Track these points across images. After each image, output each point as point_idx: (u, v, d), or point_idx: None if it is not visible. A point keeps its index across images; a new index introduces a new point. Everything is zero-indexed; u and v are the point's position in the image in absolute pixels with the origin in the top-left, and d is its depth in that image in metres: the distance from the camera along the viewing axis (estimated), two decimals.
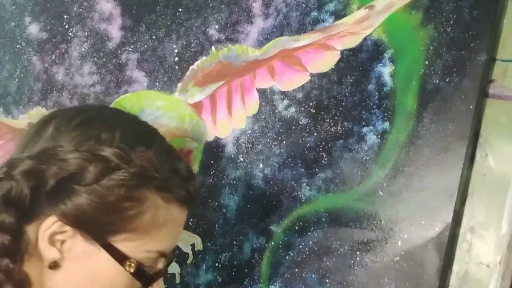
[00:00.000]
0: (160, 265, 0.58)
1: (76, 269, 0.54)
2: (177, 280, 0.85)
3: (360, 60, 0.73)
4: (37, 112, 0.96)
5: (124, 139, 0.54)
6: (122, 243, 0.53)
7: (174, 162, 0.57)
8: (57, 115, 0.57)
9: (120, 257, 0.53)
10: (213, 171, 0.82)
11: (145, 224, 0.54)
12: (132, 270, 0.54)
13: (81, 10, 0.92)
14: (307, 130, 0.76)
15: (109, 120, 0.58)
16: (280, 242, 0.77)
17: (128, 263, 0.53)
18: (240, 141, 0.81)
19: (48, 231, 0.52)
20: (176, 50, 0.85)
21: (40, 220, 0.52)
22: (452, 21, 0.67)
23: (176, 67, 0.85)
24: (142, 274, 0.55)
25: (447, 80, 0.67)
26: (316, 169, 0.75)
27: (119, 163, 0.52)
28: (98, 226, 0.53)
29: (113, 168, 0.52)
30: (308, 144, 0.76)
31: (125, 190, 0.52)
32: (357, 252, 0.72)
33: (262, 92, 0.79)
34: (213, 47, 0.83)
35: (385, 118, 0.71)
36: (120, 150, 0.53)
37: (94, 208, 0.52)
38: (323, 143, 0.75)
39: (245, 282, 0.80)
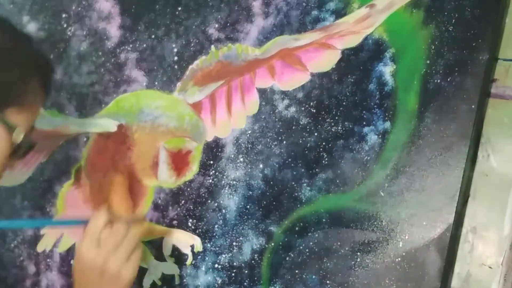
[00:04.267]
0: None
1: None
2: (176, 282, 0.84)
3: (361, 60, 0.72)
4: None
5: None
6: (13, 116, 0.59)
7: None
8: None
9: (10, 126, 0.60)
10: (213, 171, 0.82)
11: (29, 98, 0.61)
12: (21, 138, 0.61)
13: (79, 9, 0.91)
14: (308, 130, 0.75)
15: None
16: (280, 243, 0.77)
17: (16, 130, 0.60)
18: (240, 141, 0.80)
19: None
20: (175, 49, 0.85)
21: None
22: (453, 20, 0.67)
23: (176, 67, 0.85)
24: (25, 141, 0.62)
25: (448, 79, 0.67)
26: (317, 170, 0.74)
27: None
28: None
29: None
30: (309, 144, 0.75)
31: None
32: (358, 253, 0.71)
33: (262, 92, 0.79)
34: (212, 46, 0.82)
35: (386, 118, 0.70)
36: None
37: None
38: (324, 143, 0.74)
39: (245, 284, 0.79)
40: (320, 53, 0.75)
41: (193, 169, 0.84)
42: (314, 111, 0.75)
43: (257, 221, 0.79)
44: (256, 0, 0.79)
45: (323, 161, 0.74)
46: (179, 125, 0.84)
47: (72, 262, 0.91)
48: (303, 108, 0.76)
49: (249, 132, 0.79)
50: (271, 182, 0.78)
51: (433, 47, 0.68)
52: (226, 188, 0.81)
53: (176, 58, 0.85)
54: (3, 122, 0.59)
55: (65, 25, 0.93)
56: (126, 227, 0.66)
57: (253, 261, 0.79)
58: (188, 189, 0.83)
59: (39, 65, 0.64)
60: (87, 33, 0.90)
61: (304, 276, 0.75)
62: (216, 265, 0.81)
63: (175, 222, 0.85)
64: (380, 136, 0.71)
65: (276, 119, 0.78)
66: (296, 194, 0.76)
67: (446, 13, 0.67)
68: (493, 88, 0.67)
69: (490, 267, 0.66)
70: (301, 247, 0.75)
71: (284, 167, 0.77)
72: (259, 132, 0.79)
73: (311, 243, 0.75)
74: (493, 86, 0.67)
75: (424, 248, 0.67)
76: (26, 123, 0.62)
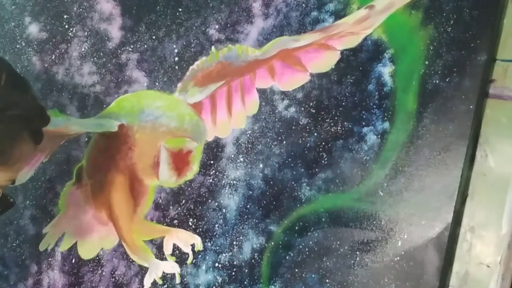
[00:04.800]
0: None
1: None
2: (177, 281, 0.85)
3: (360, 60, 0.73)
4: None
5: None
6: None
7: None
8: None
9: None
10: (213, 171, 0.82)
11: (15, 156, 0.59)
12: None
13: (81, 10, 0.92)
14: (307, 130, 0.76)
15: None
16: (280, 242, 0.77)
17: None
18: (240, 141, 0.81)
19: None
20: (176, 50, 0.85)
21: None
22: (452, 21, 0.67)
23: (176, 67, 0.85)
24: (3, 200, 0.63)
25: (447, 80, 0.67)
26: (316, 169, 0.75)
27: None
28: None
29: None
30: (308, 144, 0.76)
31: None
32: (357, 252, 0.72)
33: (262, 92, 0.79)
34: (213, 47, 0.83)
35: (385, 118, 0.71)
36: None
37: None
38: (323, 143, 0.75)
39: (245, 282, 0.80)
40: (319, 53, 0.75)
41: (194, 168, 0.84)
42: (314, 111, 0.76)
43: (257, 221, 0.79)
44: (256, 1, 0.79)
45: (323, 161, 0.75)
46: (180, 125, 0.85)
47: (73, 261, 0.92)
48: (302, 109, 0.76)
49: (249, 132, 0.80)
50: (271, 182, 0.78)
51: (431, 48, 0.68)
52: (226, 188, 0.81)
53: (176, 58, 0.85)
54: None
55: (66, 26, 0.93)
56: None
57: (253, 260, 0.79)
58: (189, 188, 0.84)
59: (31, 118, 0.60)
60: (88, 34, 0.91)
61: (303, 275, 0.75)
62: (217, 264, 0.82)
63: (175, 221, 0.85)
64: (379, 136, 0.71)
65: (276, 119, 0.78)
66: (296, 193, 0.76)
67: (444, 14, 0.68)
68: (491, 89, 0.67)
69: (488, 266, 0.66)
70: (300, 246, 0.75)
71: (284, 167, 0.77)
72: (259, 132, 0.79)
73: (310, 243, 0.75)
74: (491, 86, 0.67)
75: (422, 247, 0.68)
76: (6, 182, 0.60)
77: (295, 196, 0.76)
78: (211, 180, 0.82)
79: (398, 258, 0.69)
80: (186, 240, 0.84)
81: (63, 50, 0.94)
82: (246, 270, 0.79)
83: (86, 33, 0.91)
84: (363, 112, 0.72)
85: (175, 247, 0.85)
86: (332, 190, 0.74)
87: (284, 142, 0.77)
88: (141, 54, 0.88)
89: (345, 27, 0.74)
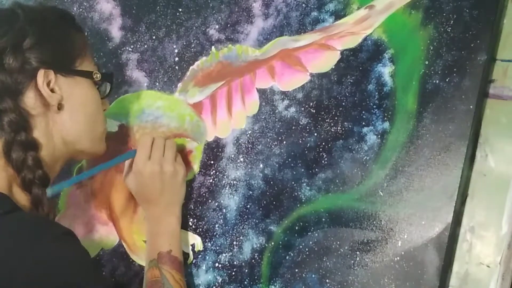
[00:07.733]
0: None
1: (72, 100, 0.71)
2: None
3: (360, 60, 0.73)
4: None
5: None
6: (81, 66, 0.72)
7: None
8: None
9: (87, 73, 0.72)
10: (213, 171, 0.82)
11: (83, 46, 0.74)
12: (99, 77, 0.73)
13: (81, 10, 0.92)
14: (307, 130, 0.76)
15: None
16: (280, 242, 0.77)
17: (93, 74, 0.73)
18: (240, 141, 0.81)
19: (44, 82, 0.67)
20: (176, 50, 0.85)
21: (29, 84, 0.67)
22: (452, 21, 0.67)
23: (176, 67, 0.85)
24: (105, 74, 0.75)
25: (447, 80, 0.67)
26: (316, 169, 0.75)
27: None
28: (62, 61, 0.70)
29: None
30: (308, 144, 0.76)
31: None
32: (357, 252, 0.72)
33: (262, 92, 0.79)
34: (213, 47, 0.83)
35: (385, 118, 0.71)
36: None
37: (51, 46, 0.70)
38: (323, 143, 0.75)
39: (245, 282, 0.80)
40: (319, 54, 0.75)
41: (194, 168, 0.84)
42: (314, 111, 0.76)
43: (257, 221, 0.79)
44: (256, 1, 0.79)
45: (323, 161, 0.75)
46: (180, 125, 0.85)
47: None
48: (302, 109, 0.76)
49: (249, 132, 0.80)
50: (271, 182, 0.78)
51: (431, 48, 0.68)
52: (227, 188, 0.82)
53: (176, 59, 0.85)
54: (90, 77, 0.72)
55: None
56: (164, 140, 0.80)
57: (253, 260, 0.79)
58: (189, 188, 0.84)
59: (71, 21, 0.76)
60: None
61: (303, 275, 0.75)
62: (217, 264, 0.82)
63: None
64: (379, 136, 0.71)
65: (276, 119, 0.78)
66: (296, 193, 0.76)
67: (444, 14, 0.68)
68: (491, 89, 0.67)
69: (488, 266, 0.66)
70: (300, 246, 0.76)
71: (284, 167, 0.77)
72: (259, 132, 0.79)
73: (310, 243, 0.75)
74: (491, 86, 0.67)
75: (422, 247, 0.68)
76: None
77: (295, 196, 0.76)
78: (211, 180, 0.83)
79: (398, 258, 0.69)
80: (186, 240, 0.84)
81: None
82: (246, 270, 0.80)
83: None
84: (363, 112, 0.72)
85: None
86: (332, 190, 0.74)
87: (284, 142, 0.78)
88: (141, 54, 0.88)
89: (345, 27, 0.74)
